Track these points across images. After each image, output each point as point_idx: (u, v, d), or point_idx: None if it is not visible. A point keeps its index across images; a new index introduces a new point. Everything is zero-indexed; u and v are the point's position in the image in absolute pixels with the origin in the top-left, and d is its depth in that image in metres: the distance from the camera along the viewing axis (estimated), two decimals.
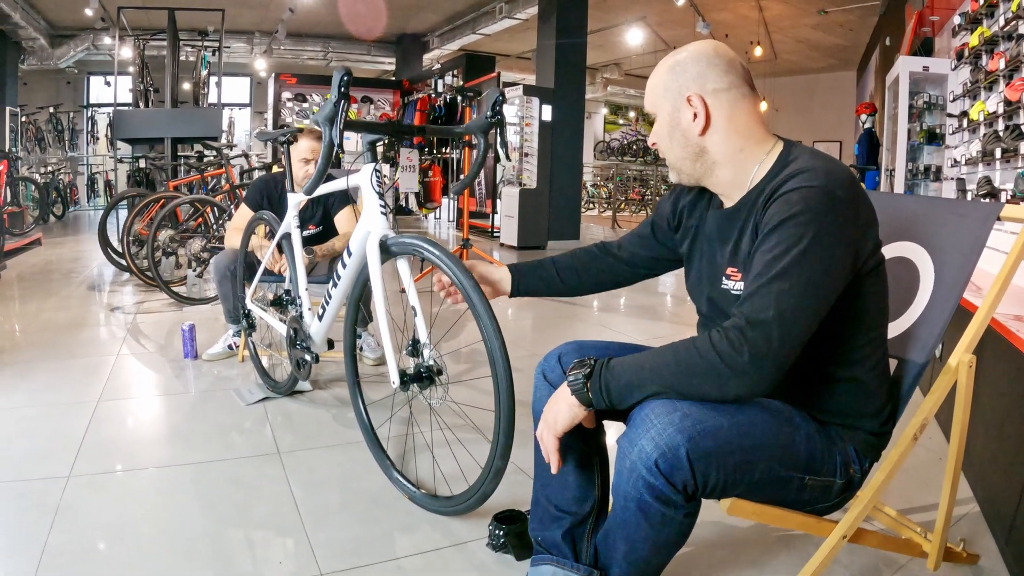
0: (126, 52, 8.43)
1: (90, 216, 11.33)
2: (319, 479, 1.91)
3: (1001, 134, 3.17)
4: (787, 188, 1.01)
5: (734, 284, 1.12)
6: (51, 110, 11.55)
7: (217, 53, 8.76)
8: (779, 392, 1.07)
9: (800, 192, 0.99)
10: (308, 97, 11.44)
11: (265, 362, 2.80)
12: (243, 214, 2.92)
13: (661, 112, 1.15)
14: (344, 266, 1.88)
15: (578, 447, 1.22)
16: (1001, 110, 3.18)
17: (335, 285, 1.93)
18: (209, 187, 5.59)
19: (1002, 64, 3.16)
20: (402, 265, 1.68)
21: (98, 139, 12.50)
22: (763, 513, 1.12)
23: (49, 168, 10.38)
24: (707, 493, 1.01)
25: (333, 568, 1.47)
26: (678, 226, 1.30)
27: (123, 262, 4.99)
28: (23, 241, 6.50)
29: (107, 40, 10.30)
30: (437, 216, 11.48)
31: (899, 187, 4.58)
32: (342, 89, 1.44)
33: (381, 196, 1.70)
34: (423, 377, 1.62)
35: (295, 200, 2.33)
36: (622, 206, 14.37)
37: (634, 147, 16.47)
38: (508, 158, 7.45)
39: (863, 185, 1.67)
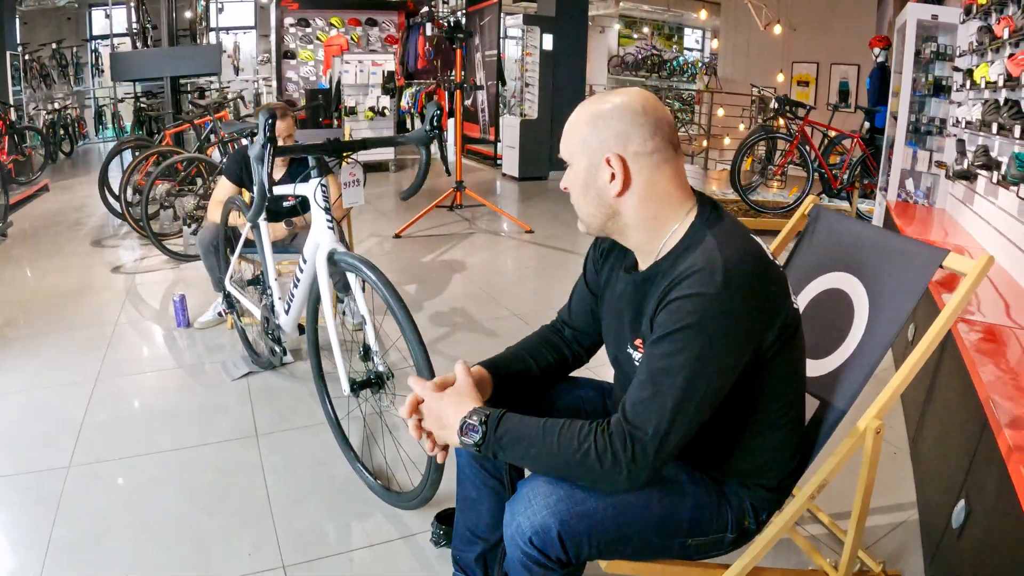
0: None
1: (100, 150, 11.36)
2: (290, 463, 2.06)
3: (1001, 106, 3.05)
4: (681, 293, 0.98)
5: (638, 356, 1.12)
6: (54, 46, 11.37)
7: None
8: (679, 454, 1.03)
9: (692, 301, 0.96)
10: (311, 22, 11.03)
11: (254, 332, 2.90)
12: (223, 187, 2.97)
13: (577, 164, 1.08)
14: (302, 271, 1.95)
15: (491, 480, 1.31)
16: (1001, 82, 3.04)
17: (295, 286, 2.01)
18: (204, 135, 5.52)
19: (1007, 32, 3.00)
20: (351, 278, 1.75)
21: (103, 72, 12.34)
22: (643, 570, 1.15)
23: (55, 105, 10.33)
24: (582, 561, 1.07)
25: (294, 560, 1.64)
26: (598, 272, 1.27)
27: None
28: (30, 191, 6.56)
29: None
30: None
31: (900, 140, 4.46)
32: (268, 132, 1.46)
33: (327, 211, 1.75)
34: (372, 383, 1.73)
35: None
36: None
37: (649, 62, 15.80)
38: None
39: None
